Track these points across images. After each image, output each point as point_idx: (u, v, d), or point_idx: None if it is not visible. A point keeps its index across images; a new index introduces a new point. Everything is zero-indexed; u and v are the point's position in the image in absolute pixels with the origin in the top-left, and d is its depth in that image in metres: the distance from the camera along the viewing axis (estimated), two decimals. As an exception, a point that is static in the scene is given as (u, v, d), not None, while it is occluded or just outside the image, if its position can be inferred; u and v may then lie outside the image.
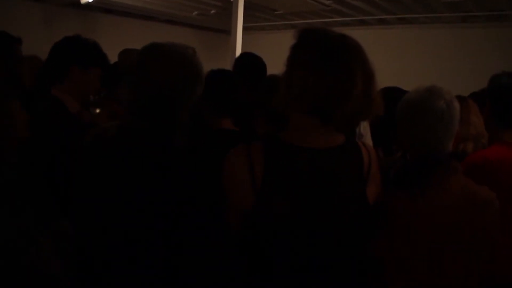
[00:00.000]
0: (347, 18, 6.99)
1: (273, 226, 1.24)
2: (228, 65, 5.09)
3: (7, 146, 1.49)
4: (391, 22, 7.12)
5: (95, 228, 1.36)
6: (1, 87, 1.58)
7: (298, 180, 1.25)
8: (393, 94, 2.56)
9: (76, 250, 1.39)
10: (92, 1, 5.82)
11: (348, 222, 1.28)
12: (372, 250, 1.42)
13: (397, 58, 6.57)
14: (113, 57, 3.50)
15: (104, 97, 2.68)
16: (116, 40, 4.38)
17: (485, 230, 1.44)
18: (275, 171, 1.24)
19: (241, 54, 3.20)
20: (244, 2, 5.29)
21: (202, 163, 1.35)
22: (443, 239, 1.41)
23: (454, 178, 1.45)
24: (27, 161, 1.66)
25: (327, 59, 1.23)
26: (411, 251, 1.43)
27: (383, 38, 7.05)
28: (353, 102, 1.23)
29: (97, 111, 2.62)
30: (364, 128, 2.40)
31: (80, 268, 1.36)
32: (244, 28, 5.42)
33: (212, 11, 6.94)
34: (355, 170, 1.31)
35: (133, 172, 1.29)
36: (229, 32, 5.39)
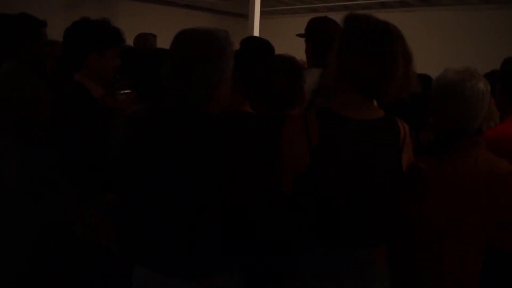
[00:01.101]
0: (368, 1, 6.87)
1: (325, 183, 1.45)
2: (247, 50, 5.07)
3: (36, 125, 1.59)
4: (413, 4, 6.97)
5: (148, 199, 1.47)
6: (28, 69, 1.66)
7: (347, 145, 1.46)
8: None
9: (124, 221, 1.52)
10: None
11: (385, 182, 1.51)
12: (403, 208, 1.64)
13: (419, 41, 6.43)
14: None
15: (128, 83, 2.70)
16: (135, 26, 4.39)
17: (502, 198, 1.57)
18: (328, 137, 1.45)
19: (246, 38, 3.13)
20: (263, -15, 5.25)
21: (245, 134, 1.54)
22: (464, 202, 1.59)
23: (478, 150, 1.63)
24: (59, 144, 1.76)
25: (373, 45, 1.41)
26: (436, 211, 1.61)
27: (404, 21, 6.90)
28: (395, 82, 1.43)
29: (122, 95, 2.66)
30: None
31: (127, 237, 1.52)
32: (263, 13, 5.38)
33: (231, -5, 6.91)
34: (394, 139, 1.53)
35: (181, 146, 1.42)
36: (248, 16, 5.35)
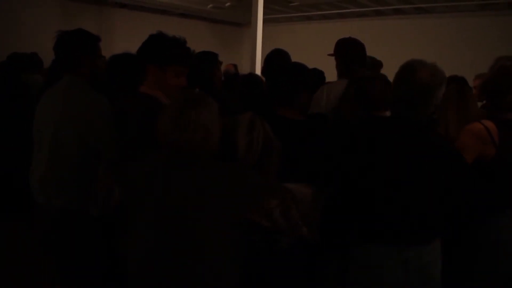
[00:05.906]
0: (363, 9, 6.92)
1: (505, 165, 2.18)
2: (244, 58, 5.04)
3: (204, 156, 1.60)
4: (408, 12, 7.03)
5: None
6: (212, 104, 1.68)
7: None
8: None
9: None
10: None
11: None
12: None
13: (414, 48, 6.49)
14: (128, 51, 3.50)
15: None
16: (132, 34, 4.40)
17: None
18: (505, 136, 2.18)
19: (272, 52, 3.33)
20: (261, -6, 5.23)
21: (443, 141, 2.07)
22: None
23: None
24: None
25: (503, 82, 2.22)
26: None
27: (400, 29, 6.96)
28: None
29: None
30: None
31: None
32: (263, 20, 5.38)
33: (227, 4, 6.93)
34: None
35: (413, 144, 1.92)
36: (244, 25, 5.38)
